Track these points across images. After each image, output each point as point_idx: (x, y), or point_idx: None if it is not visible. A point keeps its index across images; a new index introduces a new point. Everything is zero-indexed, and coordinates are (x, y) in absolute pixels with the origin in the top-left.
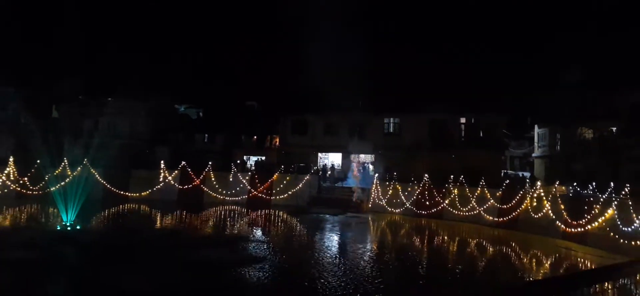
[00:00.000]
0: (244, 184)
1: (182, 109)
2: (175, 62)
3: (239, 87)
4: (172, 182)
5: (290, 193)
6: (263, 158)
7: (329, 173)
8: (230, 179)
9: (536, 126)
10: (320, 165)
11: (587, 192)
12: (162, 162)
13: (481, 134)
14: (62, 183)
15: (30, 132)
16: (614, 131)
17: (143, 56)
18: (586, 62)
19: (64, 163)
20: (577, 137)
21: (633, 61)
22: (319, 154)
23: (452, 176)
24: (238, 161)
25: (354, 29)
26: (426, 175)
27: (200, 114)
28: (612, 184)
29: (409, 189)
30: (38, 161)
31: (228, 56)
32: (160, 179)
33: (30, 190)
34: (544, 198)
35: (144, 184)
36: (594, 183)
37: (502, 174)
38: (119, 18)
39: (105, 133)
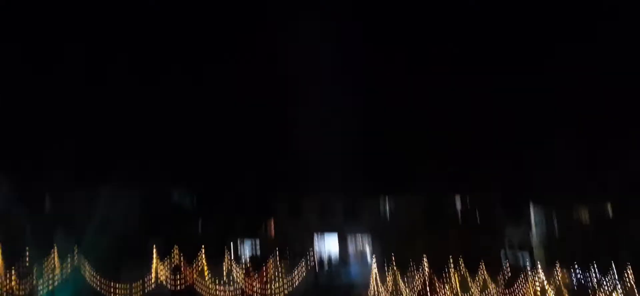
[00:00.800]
0: (238, 279)
1: (176, 197)
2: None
3: (229, 169)
4: (165, 282)
5: (286, 286)
6: (257, 240)
7: (327, 267)
8: (224, 272)
9: (531, 205)
10: (317, 254)
11: (589, 277)
12: (154, 254)
13: (477, 214)
14: (50, 286)
15: (20, 224)
16: (609, 207)
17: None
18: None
19: (53, 255)
20: (573, 218)
21: None
22: (314, 238)
23: (451, 258)
24: (232, 247)
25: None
26: (425, 261)
27: (194, 200)
28: (613, 264)
29: (408, 273)
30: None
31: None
32: (152, 275)
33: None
34: (548, 288)
35: (137, 277)
36: (595, 263)
37: (502, 253)
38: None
39: (96, 225)
